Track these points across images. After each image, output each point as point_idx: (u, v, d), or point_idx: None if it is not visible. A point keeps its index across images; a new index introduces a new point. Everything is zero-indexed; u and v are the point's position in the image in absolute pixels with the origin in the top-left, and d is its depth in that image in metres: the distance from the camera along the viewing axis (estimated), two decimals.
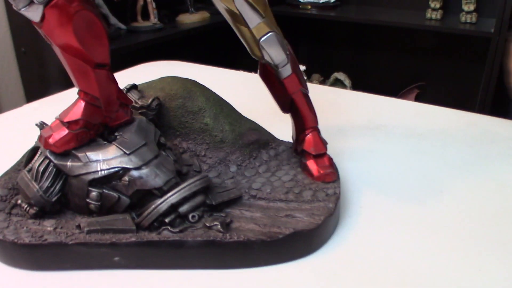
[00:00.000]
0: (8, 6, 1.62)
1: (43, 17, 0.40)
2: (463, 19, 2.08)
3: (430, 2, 2.14)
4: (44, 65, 1.58)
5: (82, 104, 0.45)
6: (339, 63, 2.57)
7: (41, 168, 0.46)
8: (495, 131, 0.76)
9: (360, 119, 0.81)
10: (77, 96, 0.46)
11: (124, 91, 0.58)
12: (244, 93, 0.81)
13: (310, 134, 0.52)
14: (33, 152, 0.49)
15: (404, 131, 0.76)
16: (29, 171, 0.47)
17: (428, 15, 2.14)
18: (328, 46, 2.63)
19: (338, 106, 0.88)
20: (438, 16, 2.13)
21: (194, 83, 0.60)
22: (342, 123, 0.80)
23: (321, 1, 2.31)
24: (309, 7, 2.30)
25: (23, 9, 0.40)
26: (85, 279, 0.43)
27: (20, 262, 0.44)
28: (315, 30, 2.57)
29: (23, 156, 0.55)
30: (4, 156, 0.67)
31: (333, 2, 2.33)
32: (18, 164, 0.54)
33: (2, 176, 0.52)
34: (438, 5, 2.13)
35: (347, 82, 2.44)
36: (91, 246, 0.43)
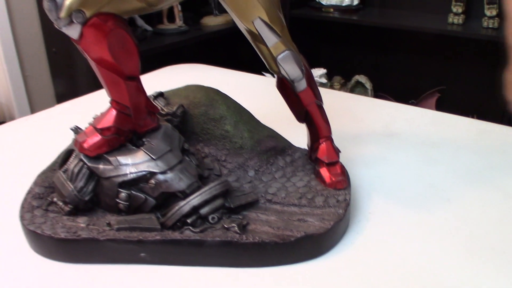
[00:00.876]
0: (40, 7, 1.69)
1: (81, 35, 0.45)
2: (485, 24, 2.09)
3: (452, 7, 2.15)
4: (73, 65, 1.64)
5: (114, 112, 0.50)
6: (360, 66, 2.59)
7: (76, 170, 0.50)
8: (507, 140, 0.78)
9: (376, 126, 0.84)
10: (109, 104, 0.51)
11: (151, 98, 0.62)
12: (265, 97, 0.85)
13: (323, 143, 0.56)
14: (68, 154, 0.54)
15: (418, 139, 0.79)
16: (64, 171, 0.52)
17: (450, 20, 2.14)
18: (349, 48, 2.65)
19: (355, 113, 0.91)
20: (460, 21, 2.13)
21: (217, 92, 0.64)
22: (358, 129, 0.83)
23: (343, 4, 2.34)
24: (332, 10, 2.33)
25: (63, 27, 0.44)
26: (114, 272, 0.47)
27: (56, 255, 0.49)
28: (337, 33, 2.60)
29: (58, 157, 0.59)
30: (39, 154, 0.71)
31: (356, 5, 2.36)
32: (53, 164, 0.59)
33: (39, 175, 0.57)
34: (460, 10, 2.13)
35: (368, 85, 2.46)
36: (120, 242, 0.47)
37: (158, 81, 1.03)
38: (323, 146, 0.56)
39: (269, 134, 0.62)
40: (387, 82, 2.56)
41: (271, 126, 0.64)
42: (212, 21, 2.07)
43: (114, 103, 0.50)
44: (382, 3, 2.48)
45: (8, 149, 0.77)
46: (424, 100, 2.45)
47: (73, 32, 0.44)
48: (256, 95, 0.95)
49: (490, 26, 2.08)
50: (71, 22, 0.43)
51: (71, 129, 0.59)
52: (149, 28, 1.83)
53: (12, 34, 1.63)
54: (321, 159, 0.55)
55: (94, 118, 0.58)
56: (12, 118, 1.70)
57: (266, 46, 0.49)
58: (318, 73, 1.95)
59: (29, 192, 0.54)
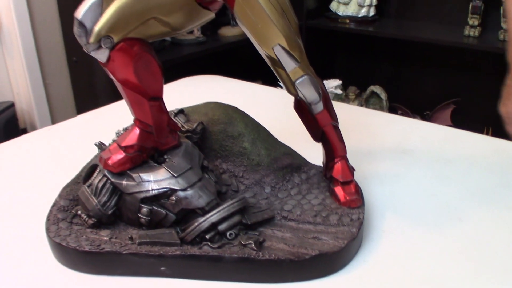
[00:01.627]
0: (62, 15, 1.73)
1: (108, 58, 0.47)
2: (501, 36, 2.09)
3: (468, 19, 2.15)
4: (93, 74, 1.68)
5: (137, 131, 0.52)
6: (375, 76, 2.60)
7: (100, 185, 0.53)
8: None
9: (390, 142, 0.85)
10: (133, 123, 0.53)
11: (172, 115, 0.64)
12: (281, 111, 0.86)
13: (338, 162, 0.58)
14: (92, 169, 0.56)
15: (431, 156, 0.80)
16: (89, 186, 0.54)
17: (466, 32, 2.15)
18: (365, 59, 2.67)
19: (369, 128, 0.92)
20: (476, 34, 2.13)
21: (235, 109, 0.66)
22: (372, 145, 0.84)
23: (359, 15, 2.35)
24: (348, 21, 2.35)
25: (92, 52, 0.46)
26: (135, 285, 0.49)
27: (80, 266, 0.51)
28: (352, 43, 2.61)
29: (82, 171, 0.62)
30: (62, 166, 0.74)
31: (372, 16, 2.37)
32: (77, 177, 0.61)
33: (64, 188, 0.59)
34: (476, 22, 2.13)
35: (383, 95, 2.47)
36: (141, 256, 0.49)
37: (176, 93, 1.06)
38: (338, 165, 0.57)
39: (286, 151, 0.64)
40: (402, 92, 2.57)
41: (287, 141, 0.66)
42: (229, 32, 2.09)
43: (138, 121, 0.52)
44: (398, 14, 2.49)
45: (32, 159, 0.79)
46: (439, 111, 2.45)
47: (101, 56, 0.47)
48: (273, 108, 0.97)
49: (507, 39, 2.07)
50: (99, 47, 0.46)
51: (96, 145, 0.61)
52: (167, 38, 1.87)
53: (34, 42, 1.67)
54: (336, 178, 0.57)
55: (117, 135, 0.61)
56: (32, 124, 1.74)
57: (285, 71, 0.51)
58: (333, 84, 1.97)
59: (54, 205, 0.57)
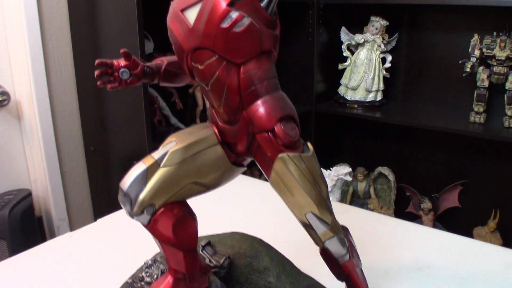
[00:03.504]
0: (81, 103, 1.80)
1: (149, 221, 0.50)
2: (506, 123, 2.14)
3: (473, 106, 2.21)
4: (110, 164, 1.73)
5: (170, 280, 0.55)
6: (383, 157, 2.65)
7: None
8: None
9: (405, 257, 0.87)
10: (167, 270, 0.56)
11: (200, 248, 0.67)
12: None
13: None
14: None
15: (447, 274, 0.82)
16: None
17: (472, 118, 2.20)
18: (373, 140, 2.72)
19: (385, 238, 0.94)
20: (482, 120, 2.18)
21: (260, 242, 0.68)
22: (388, 261, 0.86)
23: (367, 100, 2.42)
24: (356, 106, 2.41)
25: (135, 217, 0.50)
26: None
27: None
28: (361, 126, 2.67)
29: None
30: (78, 275, 0.76)
31: (379, 100, 2.44)
32: None
33: None
34: (481, 109, 2.19)
35: (391, 176, 2.50)
36: None
37: None
38: None
39: (309, 283, 0.66)
40: (410, 173, 2.60)
41: (312, 264, 0.67)
42: None
43: (172, 270, 0.55)
44: (404, 97, 2.56)
45: (53, 269, 0.81)
46: (446, 192, 2.47)
47: (143, 219, 0.50)
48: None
49: (511, 125, 2.13)
50: (142, 212, 0.49)
51: (127, 282, 0.64)
52: (182, 126, 1.93)
53: (53, 132, 1.73)
54: None
55: (146, 266, 0.63)
56: (48, 212, 1.77)
57: (315, 232, 0.54)
58: (343, 171, 2.01)
59: None
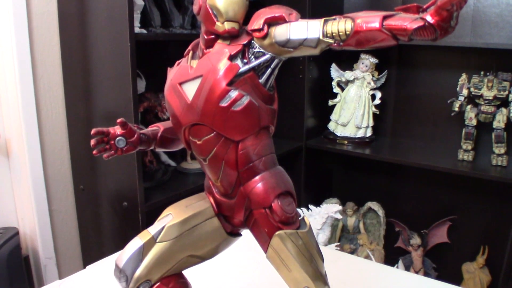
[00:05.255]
0: (71, 141, 1.79)
1: None
2: (494, 161, 2.16)
3: (462, 144, 2.23)
4: (99, 204, 1.71)
5: None
6: (373, 193, 2.66)
7: None
8: None
9: None
10: None
11: None
12: None
13: None
14: None
15: None
16: None
17: (460, 156, 2.22)
18: (362, 176, 2.73)
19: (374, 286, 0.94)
20: (470, 158, 2.21)
21: None
22: None
23: (357, 136, 2.44)
24: (346, 142, 2.43)
25: None
26: None
27: None
28: (350, 162, 2.69)
29: None
30: None
31: (369, 136, 2.46)
32: None
33: None
34: (470, 147, 2.21)
35: (380, 212, 2.50)
36: None
37: None
38: None
39: None
40: (399, 208, 2.61)
41: None
42: None
43: None
44: (394, 134, 2.58)
45: None
46: (436, 228, 2.47)
47: None
48: None
49: (499, 164, 2.15)
50: None
51: None
52: (173, 163, 1.92)
53: (42, 169, 1.72)
54: None
55: None
56: (35, 251, 1.74)
57: None
58: (333, 209, 2.00)
59: None
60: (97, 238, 1.79)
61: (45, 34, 1.72)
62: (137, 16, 1.67)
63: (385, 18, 0.46)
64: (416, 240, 2.44)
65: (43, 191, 1.73)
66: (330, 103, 2.52)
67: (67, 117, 1.77)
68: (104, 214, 1.70)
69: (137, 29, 1.62)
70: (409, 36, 0.45)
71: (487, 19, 2.24)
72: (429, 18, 0.43)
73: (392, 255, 2.54)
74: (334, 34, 0.50)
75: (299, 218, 0.56)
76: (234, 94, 0.52)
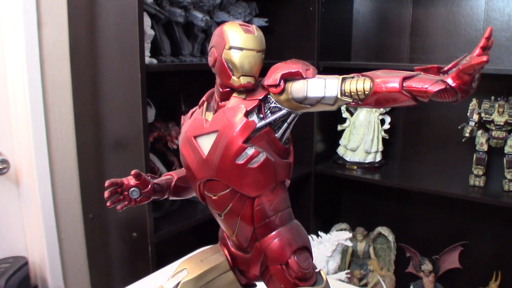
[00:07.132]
0: (81, 170, 1.79)
1: None
2: (506, 187, 2.14)
3: (473, 169, 2.21)
4: (108, 233, 1.71)
5: None
6: (382, 218, 2.63)
7: None
8: None
9: None
10: None
11: None
12: None
13: None
14: None
15: None
16: None
17: (472, 182, 2.20)
18: (372, 201, 2.71)
19: None
20: (481, 183, 2.18)
21: None
22: None
23: (366, 161, 2.43)
24: (355, 167, 2.42)
25: None
26: None
27: None
28: (360, 186, 2.67)
29: None
30: None
31: (379, 161, 2.44)
32: None
33: None
34: (481, 172, 2.19)
35: (390, 237, 2.48)
36: None
37: None
38: None
39: None
40: (409, 233, 2.58)
41: None
42: None
43: None
44: (403, 158, 2.57)
45: None
46: (447, 253, 2.44)
47: None
48: None
49: (511, 189, 2.13)
50: None
51: None
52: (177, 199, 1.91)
53: (52, 198, 1.72)
54: None
55: None
56: (43, 280, 1.73)
57: None
58: (343, 236, 1.98)
59: None
60: (106, 267, 1.78)
61: (56, 63, 1.73)
62: (147, 46, 1.67)
63: (405, 79, 0.46)
64: (427, 266, 2.41)
65: (53, 219, 1.72)
66: (339, 128, 2.51)
67: (77, 146, 1.78)
68: (113, 244, 1.69)
69: (147, 59, 1.63)
70: (430, 98, 0.45)
71: (497, 43, 2.23)
72: (450, 81, 0.43)
73: (403, 281, 2.50)
74: (352, 93, 0.49)
75: (315, 271, 0.56)
76: (250, 151, 0.51)
